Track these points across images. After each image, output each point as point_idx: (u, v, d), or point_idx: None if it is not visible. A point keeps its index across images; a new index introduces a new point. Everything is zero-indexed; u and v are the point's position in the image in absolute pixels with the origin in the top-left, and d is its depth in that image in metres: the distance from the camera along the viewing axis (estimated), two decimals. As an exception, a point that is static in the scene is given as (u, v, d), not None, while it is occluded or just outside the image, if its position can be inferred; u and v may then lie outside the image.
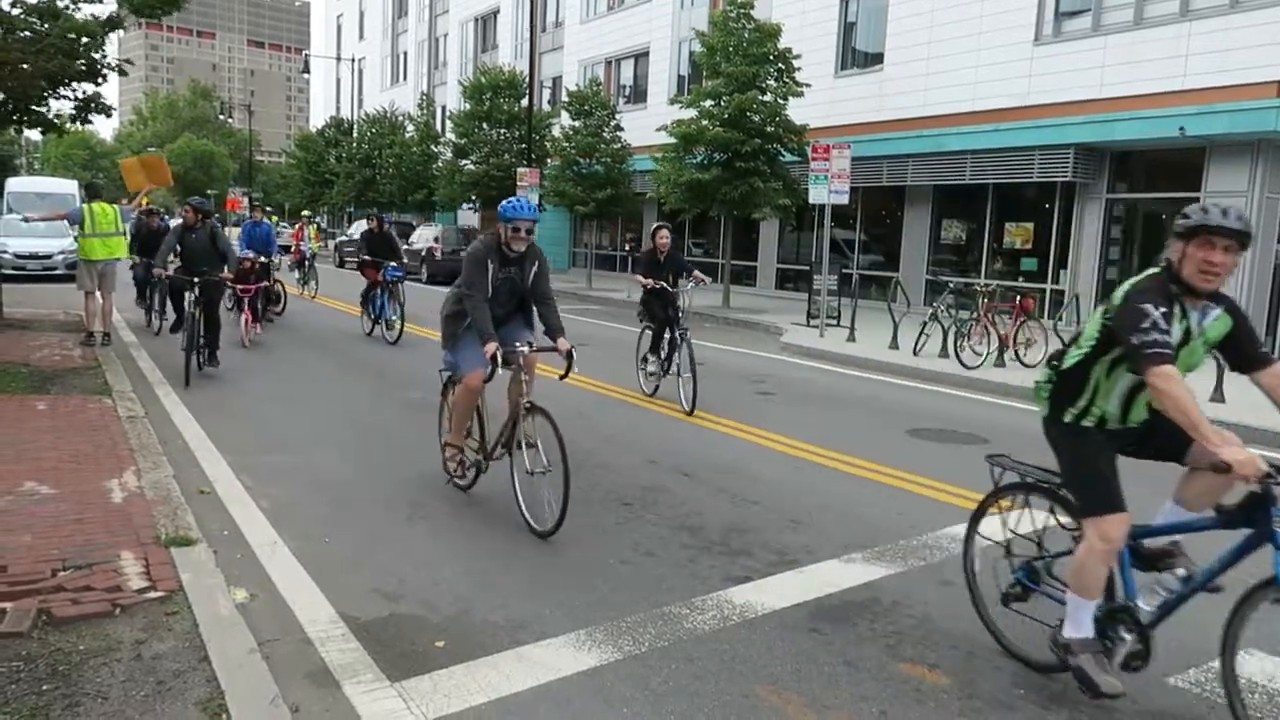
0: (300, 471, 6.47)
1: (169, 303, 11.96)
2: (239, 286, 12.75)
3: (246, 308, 12.72)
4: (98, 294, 11.48)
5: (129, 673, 3.36)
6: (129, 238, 14.08)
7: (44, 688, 3.23)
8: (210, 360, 10.12)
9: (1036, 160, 17.51)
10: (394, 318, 13.59)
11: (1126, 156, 17.17)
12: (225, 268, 10.30)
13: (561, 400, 9.09)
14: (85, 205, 11.46)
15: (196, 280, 9.89)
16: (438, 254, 26.30)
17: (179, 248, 10.43)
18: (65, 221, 12.47)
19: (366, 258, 14.25)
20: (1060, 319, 13.81)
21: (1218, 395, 9.94)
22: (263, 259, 14.44)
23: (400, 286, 13.92)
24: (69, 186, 28.71)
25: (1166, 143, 15.57)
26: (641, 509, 5.88)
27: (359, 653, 3.75)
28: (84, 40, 11.51)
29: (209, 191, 73.68)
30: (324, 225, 20.58)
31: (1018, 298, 13.32)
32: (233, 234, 23.39)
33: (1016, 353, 12.71)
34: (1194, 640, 4.16)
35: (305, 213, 21.59)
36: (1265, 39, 14.29)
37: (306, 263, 21.36)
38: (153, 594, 4.03)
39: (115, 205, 12.06)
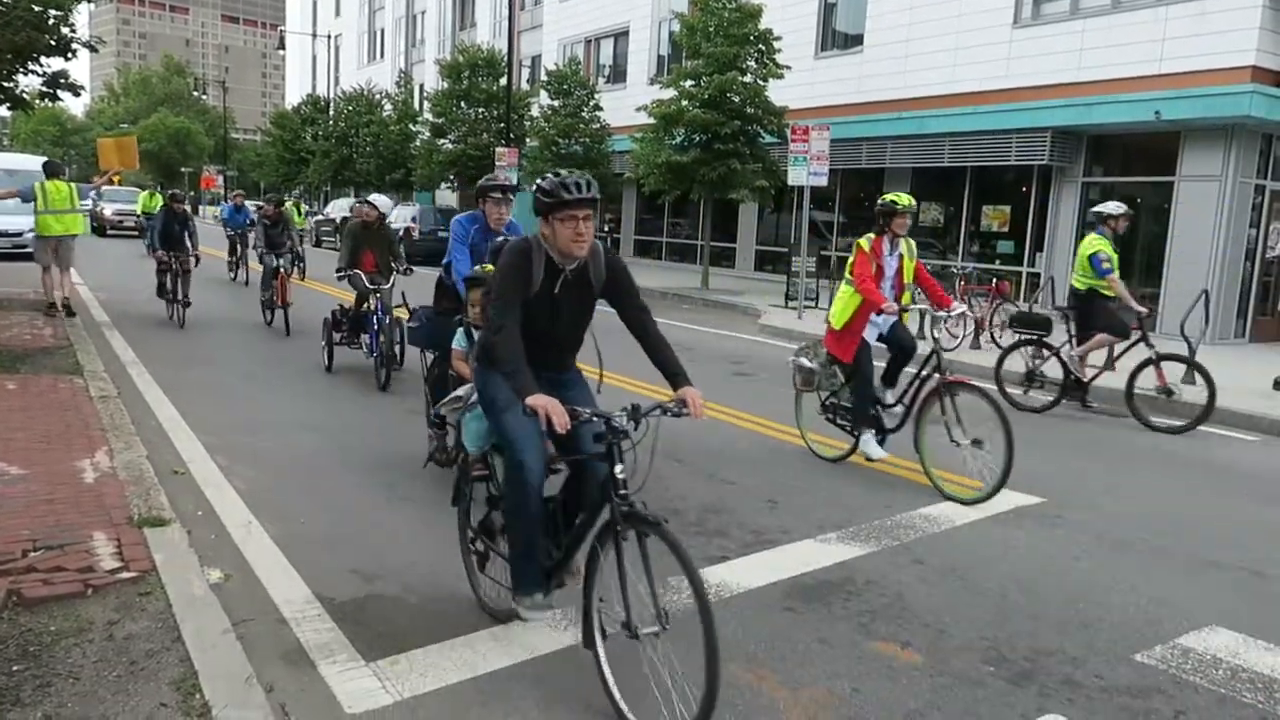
0: (277, 452, 6.43)
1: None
2: None
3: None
4: (55, 268, 11.73)
5: (101, 653, 3.34)
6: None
7: (14, 668, 3.21)
8: None
9: (1014, 143, 17.56)
10: None
11: (1103, 140, 17.25)
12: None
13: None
14: (38, 183, 11.61)
15: None
16: (415, 234, 26.06)
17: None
18: (19, 199, 12.27)
19: None
20: (1036, 301, 13.91)
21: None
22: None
23: None
24: (38, 163, 28.22)
25: (1142, 127, 15.65)
26: (619, 489, 5.89)
27: (334, 633, 3.74)
28: (53, 13, 11.29)
29: (183, 169, 72.50)
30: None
31: (994, 280, 13.42)
32: (208, 213, 22.71)
33: (992, 335, 12.81)
34: (1159, 617, 4.24)
35: None
36: (1240, 24, 14.38)
37: None
38: (125, 574, 4.00)
39: (71, 184, 12.09)
